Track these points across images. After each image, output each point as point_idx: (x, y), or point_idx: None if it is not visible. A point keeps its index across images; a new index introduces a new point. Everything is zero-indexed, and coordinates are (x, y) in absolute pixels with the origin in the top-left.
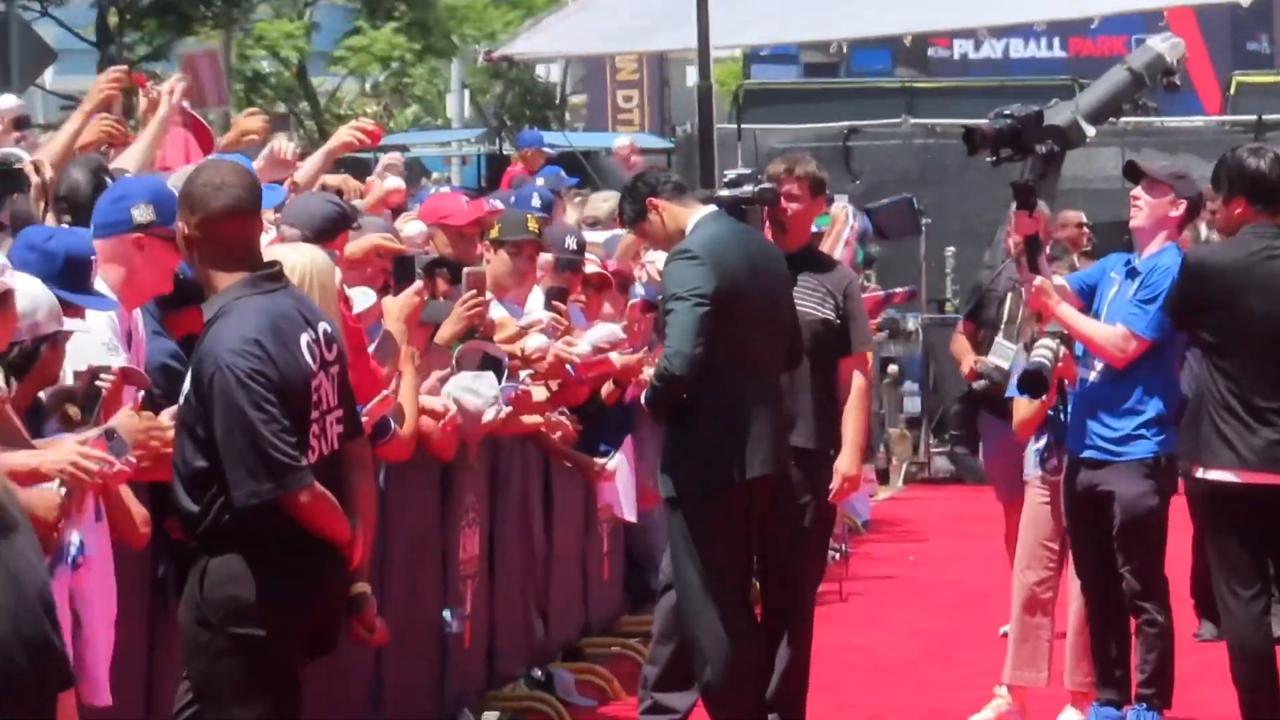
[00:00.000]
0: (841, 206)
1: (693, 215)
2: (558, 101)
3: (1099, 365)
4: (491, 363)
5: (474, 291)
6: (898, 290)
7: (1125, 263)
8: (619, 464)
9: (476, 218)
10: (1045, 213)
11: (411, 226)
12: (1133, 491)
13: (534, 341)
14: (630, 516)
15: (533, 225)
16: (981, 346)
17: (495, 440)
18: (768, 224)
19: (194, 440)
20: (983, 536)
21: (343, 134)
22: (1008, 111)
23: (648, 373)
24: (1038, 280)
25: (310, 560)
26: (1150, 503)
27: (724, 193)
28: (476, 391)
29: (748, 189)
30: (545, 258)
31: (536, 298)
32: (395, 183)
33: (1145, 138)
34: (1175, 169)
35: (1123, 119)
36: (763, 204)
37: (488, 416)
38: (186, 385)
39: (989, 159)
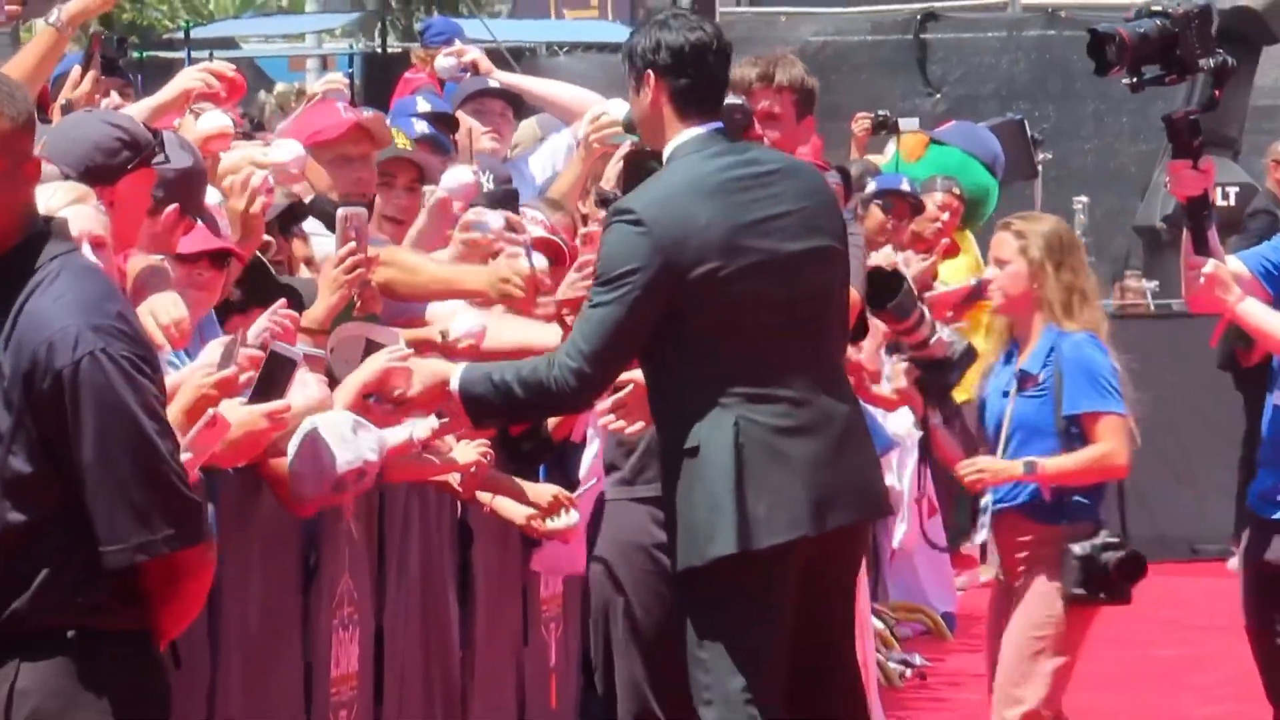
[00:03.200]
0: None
1: (680, 134)
2: None
3: None
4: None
5: (352, 243)
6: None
7: None
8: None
9: (357, 123)
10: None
11: (283, 150)
12: None
13: (463, 323)
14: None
15: (402, 140)
16: None
17: (381, 488)
18: None
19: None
20: (1132, 641)
21: (184, 79)
22: (1158, 6)
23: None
24: (1208, 266)
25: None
26: None
27: None
28: (348, 443)
29: None
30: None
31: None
32: (216, 122)
33: None
34: None
35: None
36: (728, 129)
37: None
38: None
39: (1126, 81)
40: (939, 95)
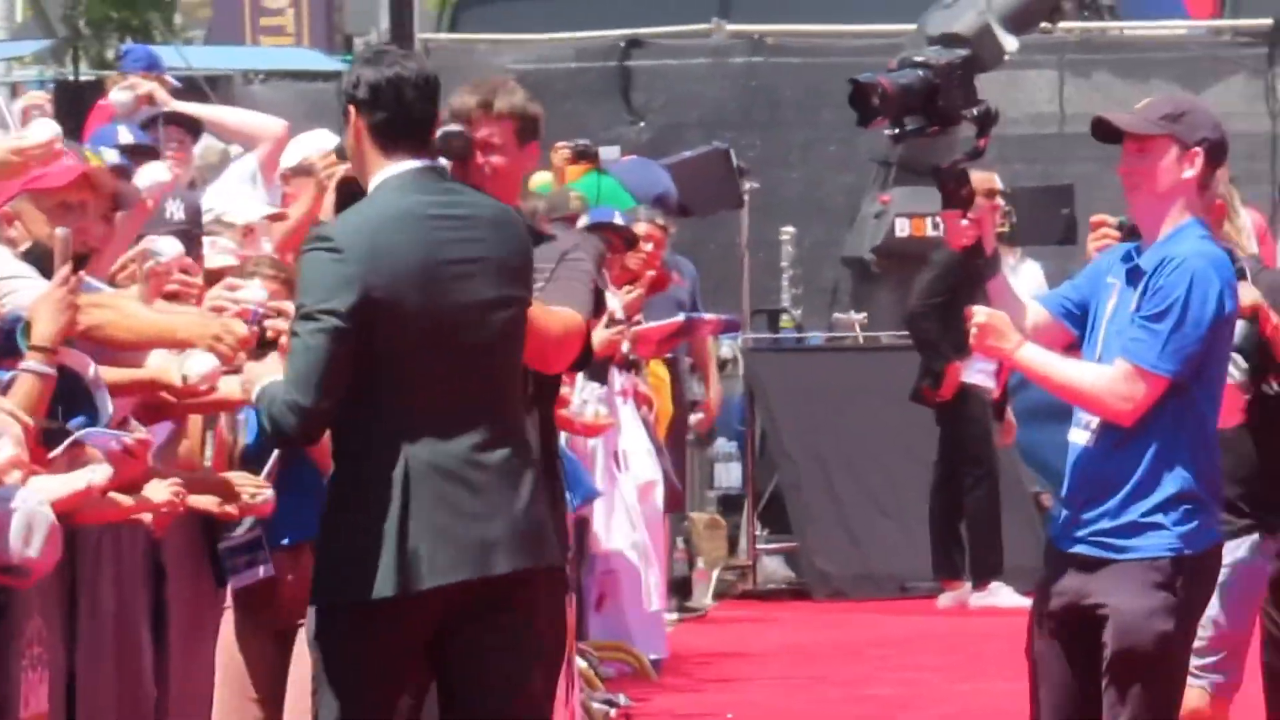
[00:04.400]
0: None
1: (384, 169)
2: None
3: (1094, 423)
4: (74, 388)
5: (67, 266)
6: (705, 316)
7: (1125, 258)
8: None
9: (84, 173)
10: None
11: (42, 129)
12: (1134, 608)
13: (197, 365)
14: None
15: (96, 162)
16: None
17: (72, 526)
18: None
19: None
20: (843, 680)
21: None
22: (920, 57)
23: None
24: (979, 315)
25: None
26: (1160, 626)
27: None
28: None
29: None
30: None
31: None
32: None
33: (1096, 54)
34: (1167, 103)
35: (1061, 25)
36: (447, 158)
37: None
38: None
39: (889, 132)
40: (643, 123)
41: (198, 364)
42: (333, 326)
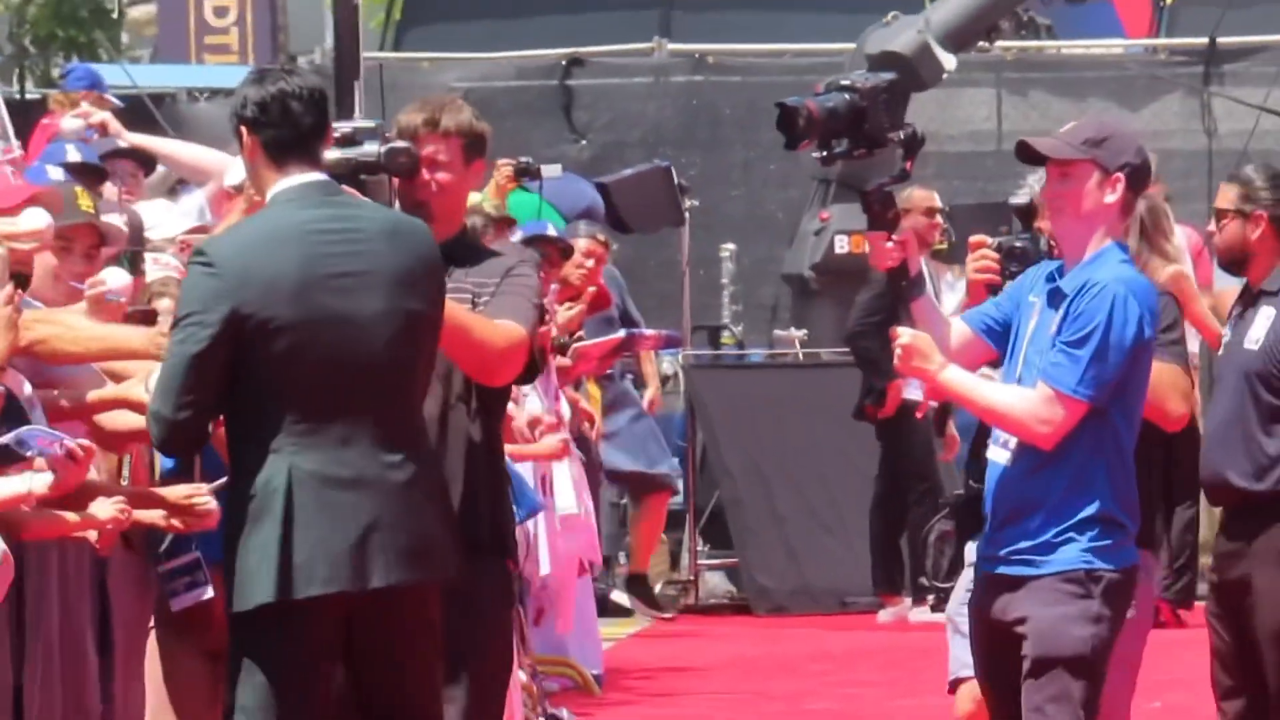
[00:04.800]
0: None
1: (276, 184)
2: (114, 15)
3: (1013, 443)
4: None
5: (10, 285)
6: (646, 332)
7: (1048, 278)
8: None
9: (34, 194)
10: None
11: (34, 218)
12: (1049, 615)
13: (116, 279)
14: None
15: (85, 203)
16: None
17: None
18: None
19: None
20: (784, 695)
21: None
22: (846, 81)
23: None
24: (904, 337)
25: None
26: (1075, 632)
27: (332, 155)
28: None
29: (369, 150)
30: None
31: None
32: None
33: (1033, 73)
34: (1090, 128)
35: (998, 43)
36: (393, 174)
37: None
38: None
39: (816, 154)
40: (585, 141)
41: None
42: (196, 337)
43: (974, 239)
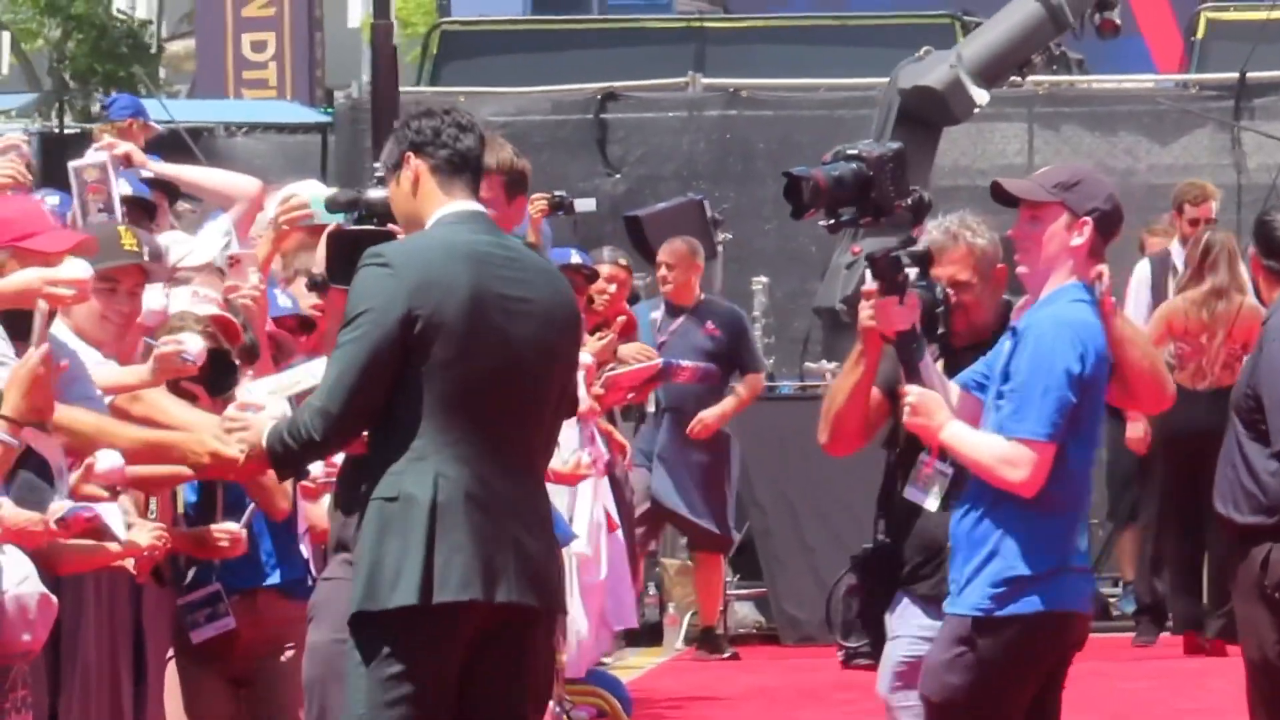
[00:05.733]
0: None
1: (443, 206)
2: (153, 50)
3: (934, 487)
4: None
5: (46, 343)
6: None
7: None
8: None
9: (82, 242)
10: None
11: (75, 268)
12: (933, 659)
13: (105, 461)
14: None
15: (129, 241)
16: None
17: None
18: None
19: None
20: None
21: None
22: (854, 150)
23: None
24: (911, 395)
25: None
26: (953, 679)
27: (378, 193)
28: None
29: None
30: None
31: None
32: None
33: (1064, 107)
34: (1064, 172)
35: (1030, 78)
36: None
37: None
38: None
39: (823, 223)
40: (619, 175)
41: (103, 461)
42: (372, 333)
43: (865, 288)
